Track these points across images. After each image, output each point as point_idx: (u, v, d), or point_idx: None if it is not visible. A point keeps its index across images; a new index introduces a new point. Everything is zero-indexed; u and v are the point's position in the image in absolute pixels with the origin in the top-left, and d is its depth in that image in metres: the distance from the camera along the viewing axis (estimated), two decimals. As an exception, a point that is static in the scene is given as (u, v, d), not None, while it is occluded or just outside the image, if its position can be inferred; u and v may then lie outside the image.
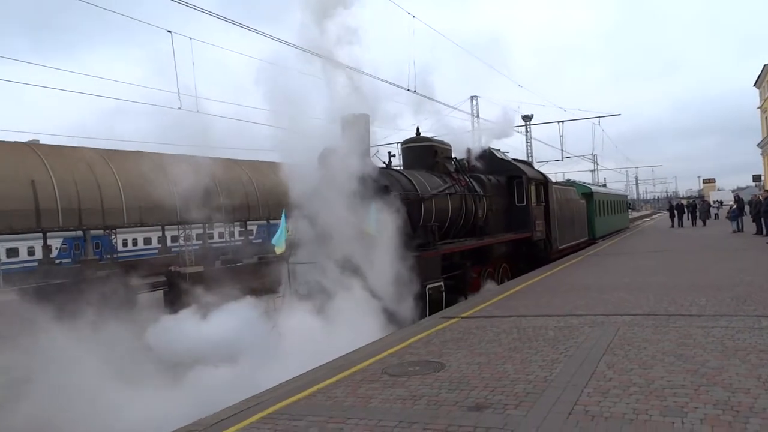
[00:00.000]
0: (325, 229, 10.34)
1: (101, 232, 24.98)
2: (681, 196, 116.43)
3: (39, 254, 26.01)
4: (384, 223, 10.12)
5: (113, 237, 26.30)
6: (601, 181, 74.08)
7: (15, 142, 18.73)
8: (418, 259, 10.30)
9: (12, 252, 25.94)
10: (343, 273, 9.93)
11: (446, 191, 12.93)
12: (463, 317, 9.21)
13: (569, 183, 29.08)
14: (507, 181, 16.99)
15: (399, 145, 15.56)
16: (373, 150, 12.24)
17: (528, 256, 17.17)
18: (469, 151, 16.42)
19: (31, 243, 27.46)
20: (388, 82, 17.79)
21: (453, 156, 14.84)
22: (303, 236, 10.92)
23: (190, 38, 15.29)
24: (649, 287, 11.03)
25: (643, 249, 20.97)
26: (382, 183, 10.71)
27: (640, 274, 13.33)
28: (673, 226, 35.17)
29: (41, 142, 20.57)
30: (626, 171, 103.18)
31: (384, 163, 12.51)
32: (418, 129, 14.24)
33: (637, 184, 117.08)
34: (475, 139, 19.26)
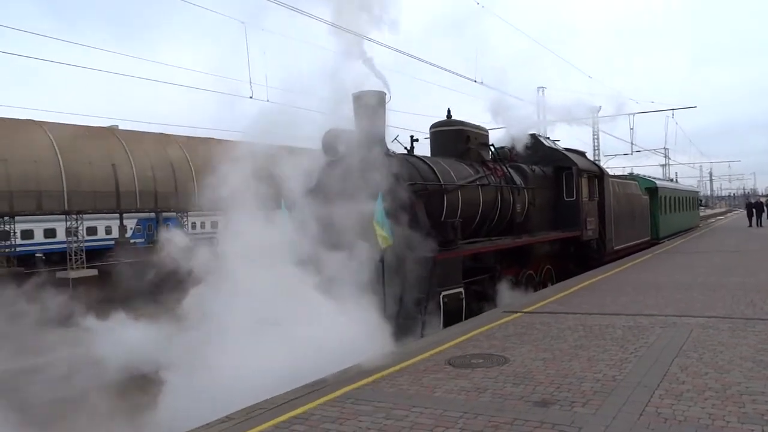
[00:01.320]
0: (325, 222, 8.75)
1: (172, 214, 26.07)
2: (760, 194, 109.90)
3: (115, 233, 27.50)
4: (392, 217, 8.59)
5: (184, 219, 27.40)
6: (672, 176, 70.97)
7: (98, 126, 19.79)
8: (431, 261, 8.66)
9: (91, 230, 27.46)
10: (338, 274, 8.23)
11: (477, 182, 11.26)
12: (525, 312, 9.10)
13: (631, 176, 27.02)
14: (554, 173, 15.03)
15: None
16: (393, 133, 11.06)
17: (577, 257, 15.45)
18: (512, 138, 14.73)
19: (108, 222, 29.00)
20: (454, 73, 17.64)
21: (491, 143, 13.06)
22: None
23: (262, 29, 15.65)
24: (725, 288, 10.54)
25: (717, 248, 20.00)
26: (392, 171, 8.97)
27: (714, 273, 12.75)
28: (750, 226, 33.32)
29: (119, 127, 21.63)
30: (700, 166, 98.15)
31: (406, 148, 10.98)
32: (449, 111, 12.39)
33: (711, 180, 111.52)
34: (539, 128, 18.03)
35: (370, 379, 5.79)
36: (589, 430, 4.19)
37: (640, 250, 20.55)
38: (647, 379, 5.34)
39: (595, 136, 46.10)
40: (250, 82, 15.60)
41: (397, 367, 6.19)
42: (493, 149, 12.95)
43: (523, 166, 13.87)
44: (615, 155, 48.42)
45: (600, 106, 46.27)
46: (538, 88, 42.18)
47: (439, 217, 9.85)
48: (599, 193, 16.65)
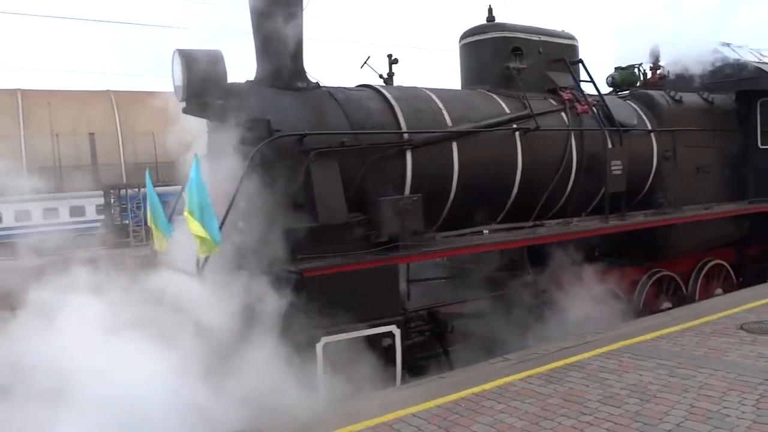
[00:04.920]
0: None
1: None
2: None
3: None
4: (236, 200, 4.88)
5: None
6: None
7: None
8: (293, 282, 4.81)
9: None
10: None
11: (513, 125, 6.62)
12: None
13: None
14: (738, 103, 9.18)
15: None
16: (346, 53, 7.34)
17: None
18: (656, 54, 9.54)
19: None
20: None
21: (578, 59, 7.80)
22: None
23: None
24: None
25: None
26: (255, 117, 5.23)
27: None
28: None
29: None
30: None
31: (381, 76, 7.22)
32: (490, 9, 7.49)
33: None
34: None
35: (647, 336, 5.60)
36: None
37: None
38: None
39: None
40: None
41: (678, 327, 5.86)
42: (585, 69, 7.79)
43: (654, 94, 8.46)
44: None
45: None
46: None
47: (397, 191, 5.81)
48: None
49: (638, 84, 9.36)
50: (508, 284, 6.41)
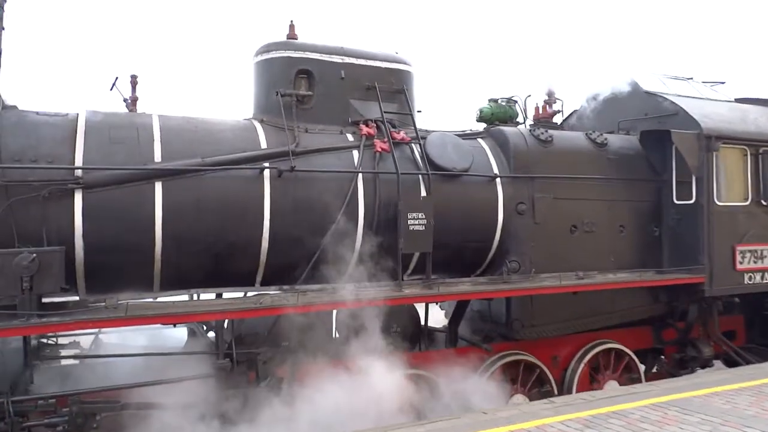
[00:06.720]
0: None
1: None
2: None
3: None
4: None
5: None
6: None
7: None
8: None
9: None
10: None
11: (261, 163, 5.42)
12: None
13: None
14: (645, 146, 7.35)
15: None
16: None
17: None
18: (550, 87, 8.10)
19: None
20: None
21: (401, 88, 6.41)
22: None
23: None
24: None
25: None
26: None
27: None
28: None
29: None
30: None
31: (125, 100, 5.89)
32: (291, 24, 6.30)
33: None
34: None
35: (700, 392, 5.59)
36: None
37: None
38: None
39: None
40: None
41: (737, 386, 5.79)
42: (406, 99, 6.39)
43: (509, 131, 6.77)
44: None
45: None
46: None
47: (60, 240, 4.72)
48: None
49: (516, 120, 7.56)
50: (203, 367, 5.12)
